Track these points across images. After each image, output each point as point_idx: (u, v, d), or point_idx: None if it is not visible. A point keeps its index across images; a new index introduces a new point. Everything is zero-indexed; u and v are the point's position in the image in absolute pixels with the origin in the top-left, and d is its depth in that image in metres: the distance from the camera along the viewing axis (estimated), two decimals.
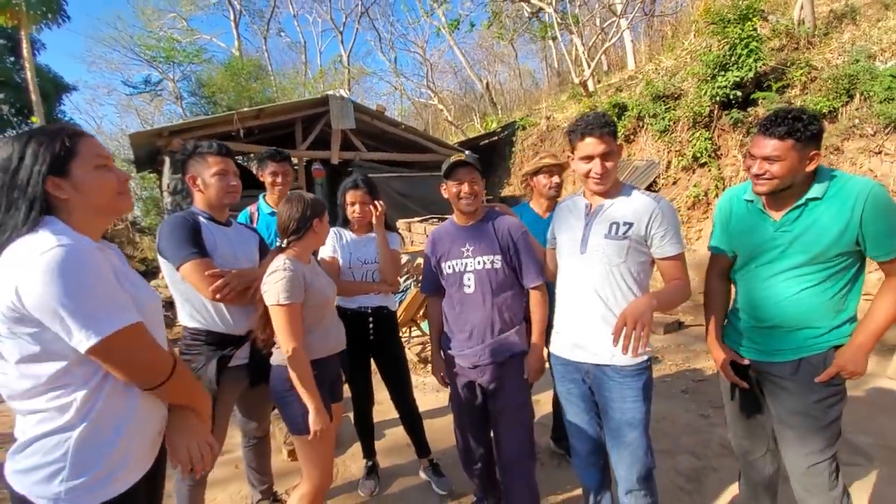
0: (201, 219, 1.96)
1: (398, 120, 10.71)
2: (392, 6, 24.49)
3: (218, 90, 17.42)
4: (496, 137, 11.76)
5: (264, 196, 3.01)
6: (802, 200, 1.59)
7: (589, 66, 10.27)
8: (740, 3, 6.60)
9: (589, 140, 1.67)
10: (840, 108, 5.56)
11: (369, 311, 2.49)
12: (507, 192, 10.75)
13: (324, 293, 1.90)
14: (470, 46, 22.39)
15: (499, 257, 2.03)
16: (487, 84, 18.64)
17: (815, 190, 1.58)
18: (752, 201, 1.72)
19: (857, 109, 5.36)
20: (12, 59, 15.45)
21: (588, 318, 1.78)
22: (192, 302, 1.91)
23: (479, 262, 2.02)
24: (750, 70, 6.32)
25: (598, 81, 11.75)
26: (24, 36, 8.99)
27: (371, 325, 2.51)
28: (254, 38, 27.82)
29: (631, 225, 1.70)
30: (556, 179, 2.63)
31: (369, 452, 2.75)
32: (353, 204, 2.44)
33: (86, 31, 39.50)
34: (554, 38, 12.36)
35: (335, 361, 2.01)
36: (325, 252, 2.44)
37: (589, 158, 1.69)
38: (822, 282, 1.61)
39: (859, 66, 5.43)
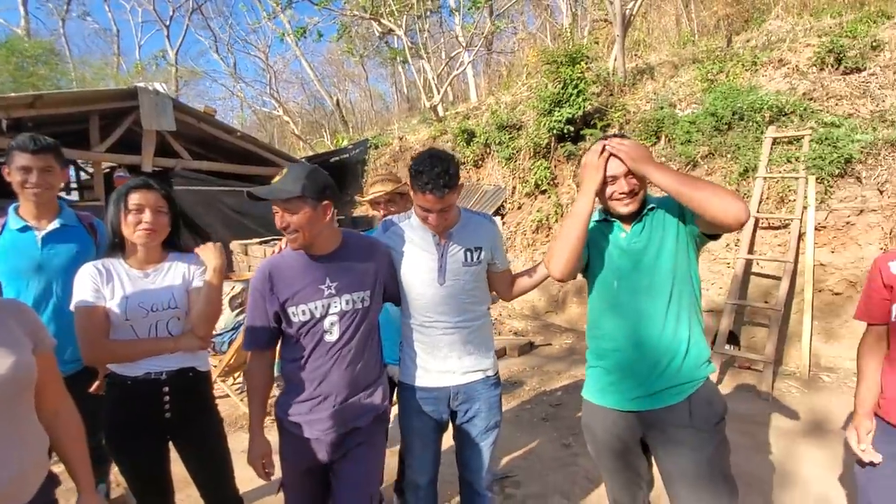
0: None
1: (234, 126, 9.41)
2: (231, 7, 22.17)
3: None
4: (347, 154, 11.21)
5: (17, 207, 2.07)
6: None
7: (438, 92, 10.47)
8: (570, 48, 7.32)
9: (430, 196, 1.63)
10: (651, 146, 6.42)
11: (163, 376, 1.71)
12: (359, 212, 10.24)
13: None
14: (319, 61, 21.65)
15: (368, 294, 1.66)
16: (338, 101, 18.01)
17: None
18: None
19: (663, 149, 6.24)
20: None
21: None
22: None
23: (346, 302, 1.62)
24: (579, 108, 6.99)
25: (446, 109, 12.15)
26: None
27: (167, 399, 1.73)
28: (49, 20, 22.59)
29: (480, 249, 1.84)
30: (382, 212, 2.33)
31: None
32: (139, 210, 1.64)
33: None
34: (405, 62, 12.44)
35: None
36: (77, 298, 1.61)
37: (427, 211, 1.69)
38: None
39: (664, 112, 6.36)
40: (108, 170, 8.16)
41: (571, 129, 7.06)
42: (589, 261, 1.70)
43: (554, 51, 7.61)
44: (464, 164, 9.06)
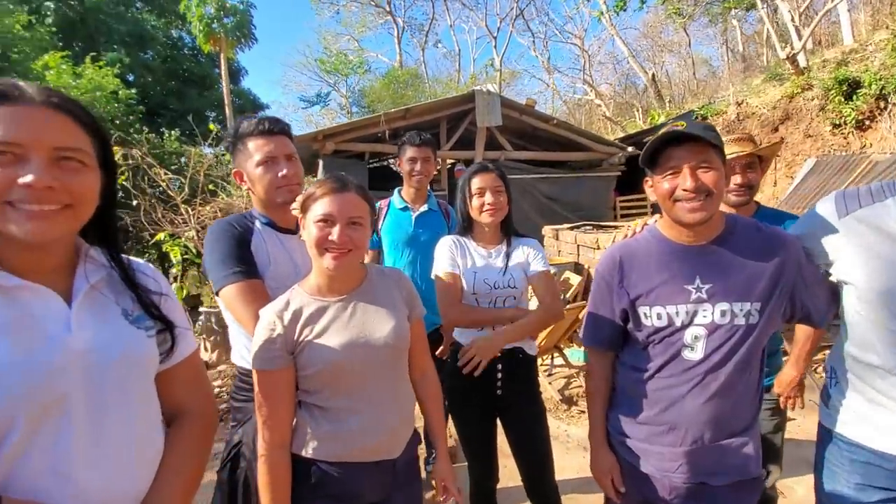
0: (258, 224, 1.46)
1: (549, 115, 9.77)
2: (549, 2, 23.59)
3: (376, 99, 18.64)
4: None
5: (400, 190, 2.53)
6: None
7: (800, 37, 8.02)
8: None
9: None
10: None
11: (498, 353, 1.72)
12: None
13: (339, 355, 1.15)
14: (633, 36, 20.56)
15: (758, 307, 1.16)
16: (653, 75, 16.51)
17: None
18: None
19: None
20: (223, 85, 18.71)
21: None
22: (242, 335, 1.41)
23: (720, 312, 1.17)
24: None
25: (806, 59, 9.24)
26: (223, 59, 10.43)
27: (499, 375, 1.75)
28: (414, 52, 29.53)
29: None
30: (738, 179, 1.74)
31: None
32: (481, 193, 1.71)
33: (282, 58, 46.97)
34: (749, 8, 10.12)
35: (377, 476, 1.23)
36: (441, 267, 1.77)
37: None
38: None
39: None
40: (450, 165, 9.81)
41: None
42: None
43: None
44: (839, 125, 6.67)
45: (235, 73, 18.75)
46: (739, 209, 1.78)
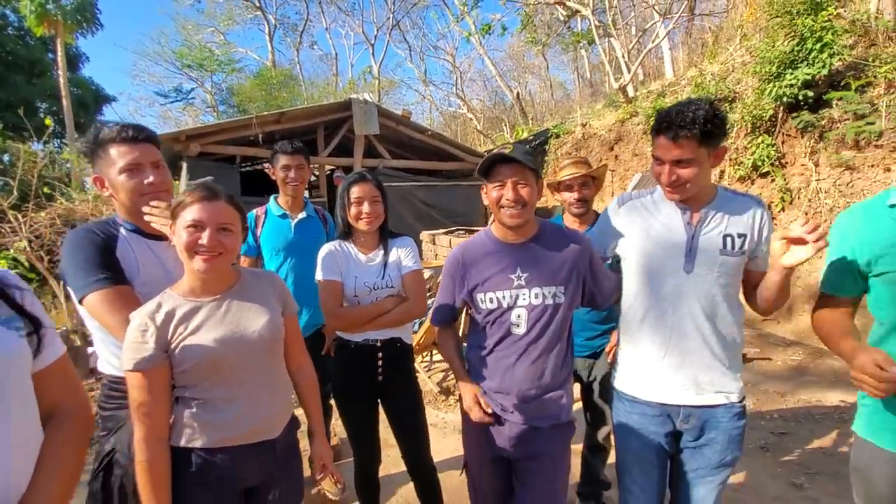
0: (123, 230, 1.45)
1: (425, 126, 10.25)
2: (423, 17, 24.29)
3: (247, 99, 17.51)
4: (527, 146, 11.18)
5: (276, 197, 2.58)
6: None
7: (629, 71, 9.59)
8: None
9: (662, 139, 1.39)
10: None
11: (378, 343, 1.94)
12: (539, 203, 10.15)
13: (214, 349, 1.24)
14: (500, 57, 22.15)
15: (562, 289, 1.53)
16: (518, 94, 18.11)
17: None
18: None
19: None
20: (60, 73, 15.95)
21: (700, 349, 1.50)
22: (110, 343, 1.40)
23: (535, 296, 1.52)
24: (823, 67, 5.55)
25: (636, 89, 11.08)
26: (59, 44, 9.01)
27: (380, 363, 1.95)
28: (288, 52, 28.26)
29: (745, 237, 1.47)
30: (575, 195, 2.18)
31: None
32: (359, 203, 1.88)
33: (133, 46, 41.44)
34: (591, 42, 11.75)
35: (257, 457, 1.33)
36: (322, 274, 1.90)
37: (660, 162, 1.43)
38: None
39: None
40: (329, 171, 9.72)
41: (810, 94, 5.66)
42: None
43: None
44: None
45: (74, 60, 16.11)
46: (581, 219, 2.22)
